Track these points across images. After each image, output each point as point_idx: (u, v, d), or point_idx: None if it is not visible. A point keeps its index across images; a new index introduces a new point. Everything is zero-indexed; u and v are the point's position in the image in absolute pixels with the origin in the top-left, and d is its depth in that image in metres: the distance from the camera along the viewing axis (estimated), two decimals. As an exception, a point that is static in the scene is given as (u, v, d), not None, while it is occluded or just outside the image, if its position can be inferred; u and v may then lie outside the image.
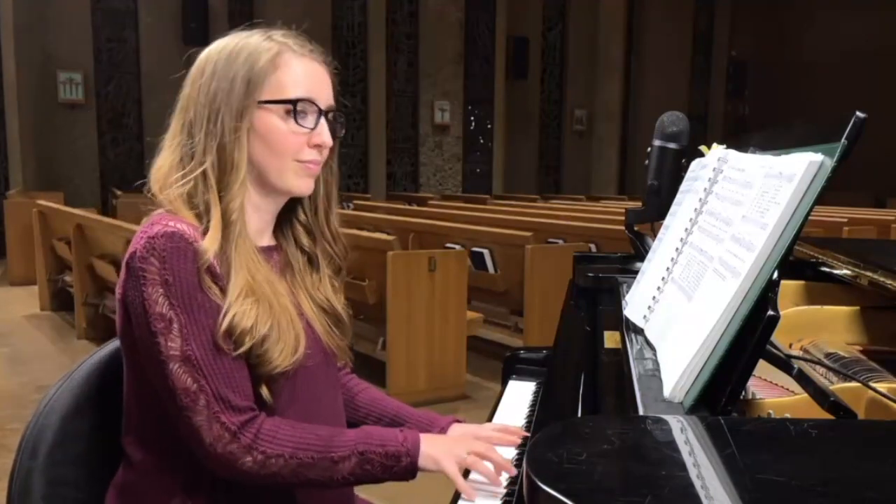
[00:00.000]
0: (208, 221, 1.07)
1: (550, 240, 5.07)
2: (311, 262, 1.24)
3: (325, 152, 1.17)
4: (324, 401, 1.20)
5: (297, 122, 1.12)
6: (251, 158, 1.12)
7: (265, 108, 1.11)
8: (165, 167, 1.12)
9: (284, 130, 1.12)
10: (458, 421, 1.33)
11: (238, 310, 1.05)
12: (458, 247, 4.70)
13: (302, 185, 1.16)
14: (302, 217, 1.24)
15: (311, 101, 1.13)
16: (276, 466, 1.05)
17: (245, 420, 1.05)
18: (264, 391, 1.08)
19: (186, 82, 1.14)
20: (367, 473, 1.09)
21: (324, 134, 1.15)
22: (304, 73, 1.14)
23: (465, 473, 1.14)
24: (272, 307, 1.09)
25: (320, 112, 1.14)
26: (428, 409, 1.36)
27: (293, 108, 1.11)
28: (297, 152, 1.13)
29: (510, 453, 1.26)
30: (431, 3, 11.83)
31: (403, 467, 1.10)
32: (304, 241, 1.23)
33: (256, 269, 1.11)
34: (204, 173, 1.09)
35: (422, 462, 1.10)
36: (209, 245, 1.04)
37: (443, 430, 1.30)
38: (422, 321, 3.98)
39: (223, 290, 1.06)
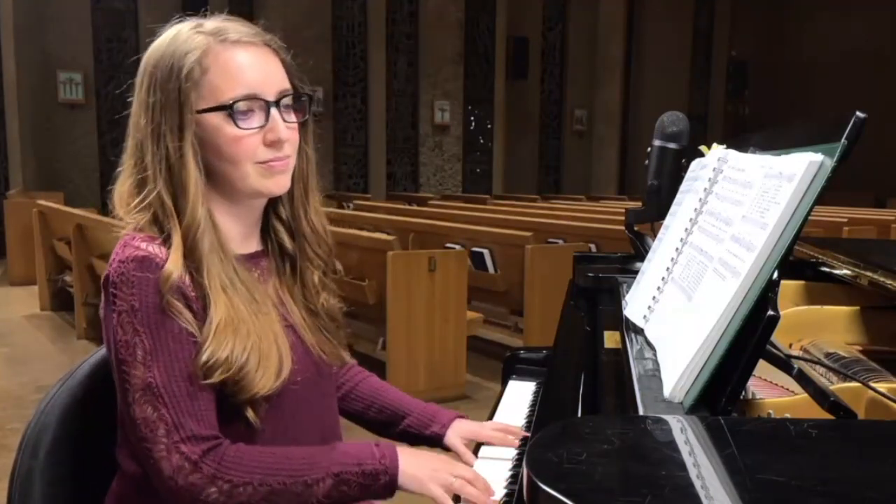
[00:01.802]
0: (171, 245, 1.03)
1: (550, 240, 5.07)
2: (294, 263, 1.18)
3: (288, 146, 1.09)
4: (315, 416, 1.16)
5: (239, 126, 1.04)
6: (211, 169, 1.07)
7: (206, 115, 1.04)
8: (125, 191, 1.08)
9: (231, 136, 1.04)
10: (461, 417, 1.32)
11: (215, 343, 1.01)
12: (458, 247, 4.70)
13: (271, 185, 1.09)
14: (282, 213, 1.17)
15: (253, 97, 1.05)
16: (244, 495, 0.99)
17: (206, 448, 1.00)
18: (250, 414, 1.04)
19: (133, 94, 1.09)
20: (344, 495, 1.03)
21: (277, 129, 1.06)
22: (237, 68, 1.05)
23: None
24: (252, 333, 1.04)
25: (268, 104, 1.06)
26: (430, 403, 1.35)
27: (231, 112, 1.03)
28: (253, 155, 1.06)
29: (510, 453, 1.27)
30: (431, 3, 11.82)
31: (382, 485, 1.04)
32: (287, 243, 1.18)
33: (234, 290, 1.05)
34: (159, 197, 1.04)
35: (403, 480, 1.04)
36: (172, 268, 1.00)
37: (444, 427, 1.28)
38: (422, 321, 3.98)
39: (195, 314, 1.02)
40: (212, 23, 1.08)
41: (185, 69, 1.03)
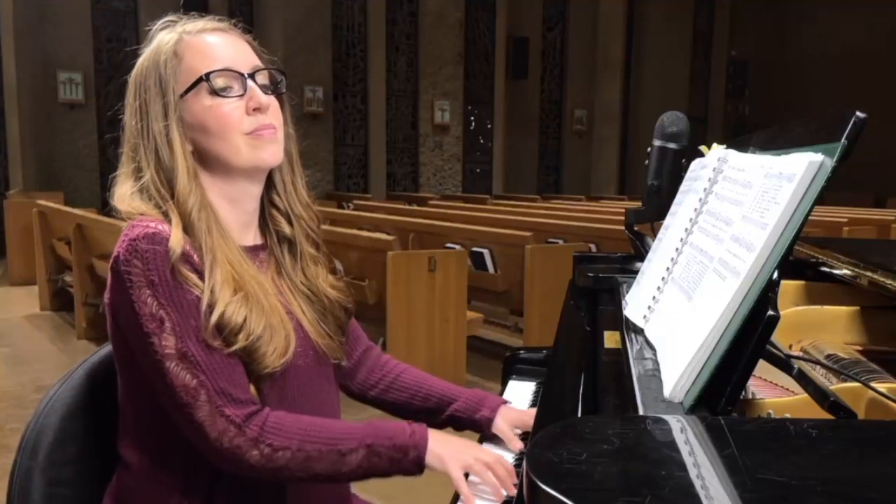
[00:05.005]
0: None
1: (550, 240, 5.07)
2: (292, 247, 1.22)
3: (272, 115, 1.13)
4: (318, 399, 1.19)
5: (220, 95, 1.09)
6: (204, 153, 1.11)
7: (188, 98, 1.09)
8: (125, 192, 1.11)
9: (212, 107, 1.09)
10: (506, 403, 1.34)
11: (226, 306, 1.03)
12: (458, 247, 4.70)
13: (265, 156, 1.13)
14: (278, 201, 1.21)
15: (227, 70, 1.10)
16: (283, 459, 1.04)
17: (249, 412, 1.04)
18: (252, 391, 1.08)
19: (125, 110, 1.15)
20: (375, 466, 1.08)
21: (256, 96, 1.11)
22: (210, 47, 1.11)
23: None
24: (263, 306, 1.08)
25: (244, 76, 1.11)
26: (476, 388, 1.37)
27: (209, 83, 1.09)
28: (239, 125, 1.10)
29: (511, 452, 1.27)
30: (431, 3, 11.82)
31: (411, 460, 1.09)
32: (285, 228, 1.21)
33: (241, 265, 1.09)
34: (154, 183, 1.08)
35: (428, 458, 1.09)
36: (174, 245, 1.03)
37: (494, 412, 1.31)
38: (422, 321, 3.98)
39: (202, 278, 1.04)
40: (181, 22, 1.15)
41: (161, 61, 1.10)
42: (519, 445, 1.27)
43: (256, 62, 1.15)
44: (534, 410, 1.37)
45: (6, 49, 8.84)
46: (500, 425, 1.30)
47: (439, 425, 1.33)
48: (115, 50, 9.97)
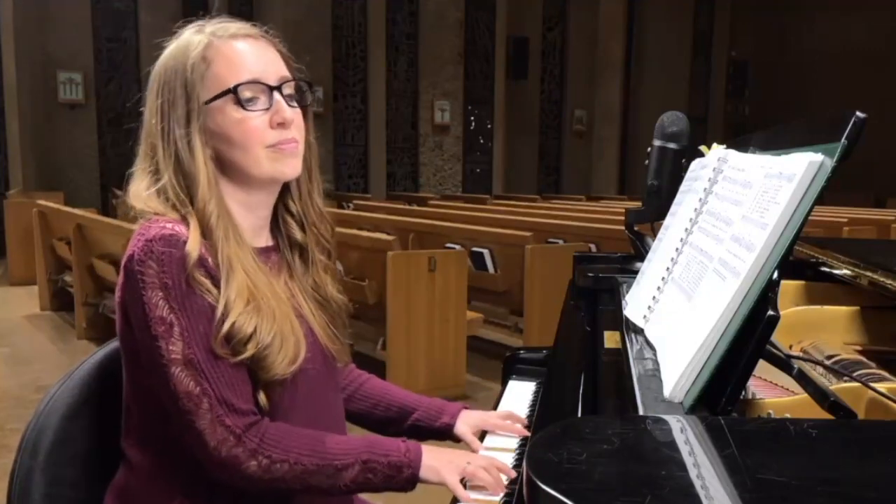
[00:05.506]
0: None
1: (550, 240, 5.07)
2: (304, 253, 1.22)
3: (295, 129, 1.12)
4: (325, 404, 1.20)
5: (246, 108, 1.08)
6: (225, 161, 1.10)
7: (213, 106, 1.08)
8: (142, 190, 1.10)
9: (238, 119, 1.08)
10: (467, 408, 1.35)
11: (238, 316, 1.03)
12: (458, 247, 4.70)
13: (285, 169, 1.12)
14: (293, 207, 1.21)
15: (255, 82, 1.09)
16: (280, 472, 1.04)
17: (249, 423, 1.04)
18: (261, 397, 1.08)
19: (145, 105, 1.13)
20: (369, 482, 1.08)
21: (282, 110, 1.10)
22: (239, 56, 1.09)
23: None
24: (275, 314, 1.08)
25: (271, 89, 1.10)
26: (435, 397, 1.38)
27: (236, 95, 1.08)
28: (262, 139, 1.09)
29: (512, 444, 1.28)
30: (431, 3, 11.82)
31: (405, 478, 1.09)
32: (297, 234, 1.21)
33: (256, 273, 1.09)
34: (173, 186, 1.08)
35: (423, 473, 1.10)
36: (191, 249, 1.03)
37: (454, 418, 1.32)
38: (422, 321, 3.98)
39: (217, 285, 1.04)
40: (211, 24, 1.13)
41: (188, 64, 1.08)
42: (479, 446, 1.29)
43: (284, 73, 1.13)
44: (493, 411, 1.40)
45: (6, 49, 8.84)
46: (461, 429, 1.32)
47: (402, 434, 1.33)
48: (115, 50, 9.96)
